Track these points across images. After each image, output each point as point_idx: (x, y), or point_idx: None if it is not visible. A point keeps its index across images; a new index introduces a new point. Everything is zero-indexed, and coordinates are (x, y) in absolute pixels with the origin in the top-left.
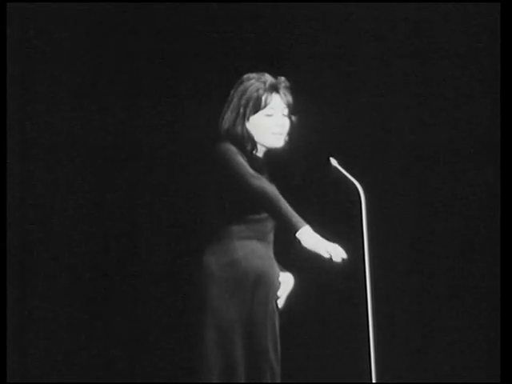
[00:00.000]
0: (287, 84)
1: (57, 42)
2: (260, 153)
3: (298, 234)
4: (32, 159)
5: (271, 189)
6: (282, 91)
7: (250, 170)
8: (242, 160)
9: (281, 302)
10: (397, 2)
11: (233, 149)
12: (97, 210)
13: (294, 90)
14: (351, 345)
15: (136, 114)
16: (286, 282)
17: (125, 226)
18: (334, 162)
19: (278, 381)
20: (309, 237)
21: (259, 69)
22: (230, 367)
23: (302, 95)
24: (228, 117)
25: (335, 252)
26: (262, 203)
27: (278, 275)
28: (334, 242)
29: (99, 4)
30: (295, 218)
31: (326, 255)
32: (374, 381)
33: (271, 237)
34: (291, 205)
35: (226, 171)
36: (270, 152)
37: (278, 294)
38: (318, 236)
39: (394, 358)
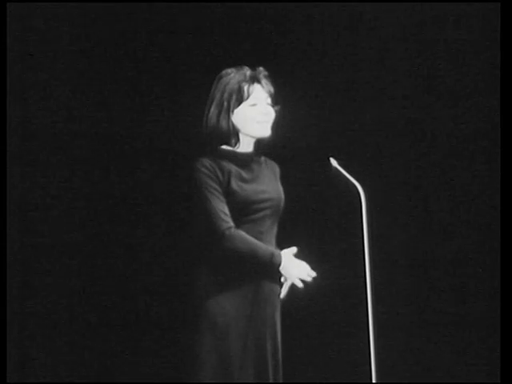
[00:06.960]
0: (266, 74)
1: (57, 41)
2: (249, 147)
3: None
4: (31, 159)
5: (239, 234)
6: (262, 81)
7: (220, 207)
8: (213, 190)
9: (284, 291)
10: (397, 2)
11: (205, 172)
12: (96, 210)
13: (293, 89)
14: (351, 345)
15: (137, 114)
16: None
17: (124, 227)
18: (334, 162)
19: (280, 381)
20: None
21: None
22: (227, 368)
23: (302, 95)
24: (212, 113)
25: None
26: (233, 250)
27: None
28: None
29: (99, 4)
30: (269, 250)
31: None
32: (374, 381)
33: (270, 236)
34: (291, 205)
35: (196, 198)
36: (260, 145)
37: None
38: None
39: (394, 357)
